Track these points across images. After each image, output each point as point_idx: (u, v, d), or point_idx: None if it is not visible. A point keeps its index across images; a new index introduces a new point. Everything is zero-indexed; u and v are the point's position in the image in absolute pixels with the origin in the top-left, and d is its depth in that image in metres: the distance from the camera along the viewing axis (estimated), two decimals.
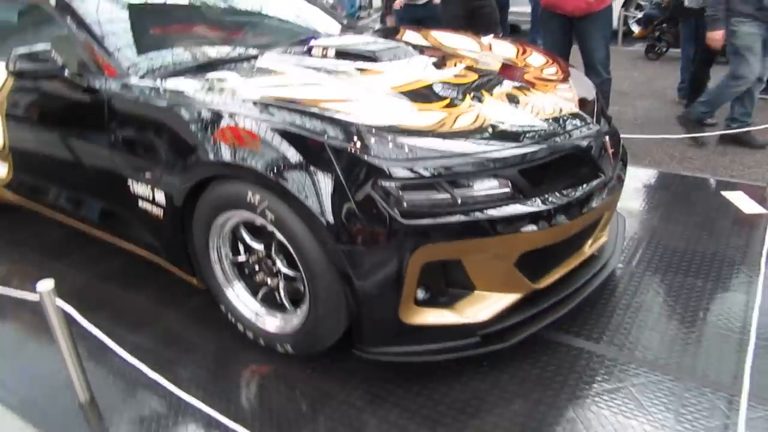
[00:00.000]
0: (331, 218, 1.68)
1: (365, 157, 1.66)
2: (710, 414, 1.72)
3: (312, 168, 1.71)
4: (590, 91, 2.30)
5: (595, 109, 2.14)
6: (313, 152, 1.72)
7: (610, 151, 2.05)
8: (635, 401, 1.78)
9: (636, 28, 7.48)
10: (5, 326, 2.40)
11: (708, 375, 1.86)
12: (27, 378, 2.09)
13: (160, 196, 2.11)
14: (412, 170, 1.66)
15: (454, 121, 1.84)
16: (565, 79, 2.31)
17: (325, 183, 1.69)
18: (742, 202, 2.99)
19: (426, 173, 1.67)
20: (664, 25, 6.44)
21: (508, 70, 2.34)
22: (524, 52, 2.66)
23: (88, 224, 2.62)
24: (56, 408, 1.93)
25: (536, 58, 2.57)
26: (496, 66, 2.36)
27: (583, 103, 2.13)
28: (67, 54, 2.32)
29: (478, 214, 1.68)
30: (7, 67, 2.30)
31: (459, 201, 1.68)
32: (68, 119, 2.42)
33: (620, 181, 2.11)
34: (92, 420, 1.89)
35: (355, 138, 1.69)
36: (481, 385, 1.88)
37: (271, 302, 2.07)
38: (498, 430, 1.71)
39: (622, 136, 3.69)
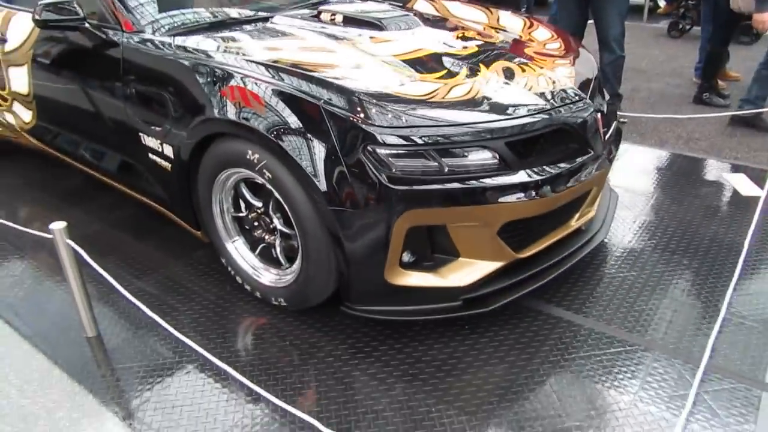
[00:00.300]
0: (323, 180, 1.78)
1: (358, 123, 1.74)
2: (675, 383, 1.81)
3: (308, 131, 1.79)
4: (590, 69, 2.33)
5: (591, 87, 2.17)
6: (310, 115, 1.79)
7: (601, 128, 2.10)
8: (605, 368, 1.87)
9: (662, 4, 7.31)
10: (24, 263, 2.56)
11: (679, 347, 1.95)
12: (40, 311, 2.26)
13: (168, 150, 2.22)
14: (401, 137, 1.73)
15: (448, 91, 1.90)
16: (565, 55, 2.34)
17: (320, 146, 1.78)
18: (742, 184, 3.01)
19: (415, 141, 1.74)
20: (690, 1, 6.29)
21: (509, 43, 2.37)
22: (531, 26, 2.68)
23: (103, 174, 2.75)
24: (65, 340, 2.09)
25: (541, 33, 2.59)
26: (497, 39, 2.40)
27: (579, 79, 2.16)
28: (89, 6, 2.42)
29: (463, 184, 1.76)
30: (33, 17, 2.39)
31: (446, 170, 1.76)
32: (87, 70, 2.52)
33: (610, 158, 2.16)
34: (98, 354, 2.04)
35: (350, 104, 1.77)
36: (460, 347, 1.99)
37: (268, 257, 2.19)
38: (470, 387, 1.82)
39: (631, 114, 3.74)
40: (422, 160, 1.75)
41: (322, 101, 1.78)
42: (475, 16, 2.73)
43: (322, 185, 1.78)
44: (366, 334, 2.05)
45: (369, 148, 1.73)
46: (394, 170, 1.73)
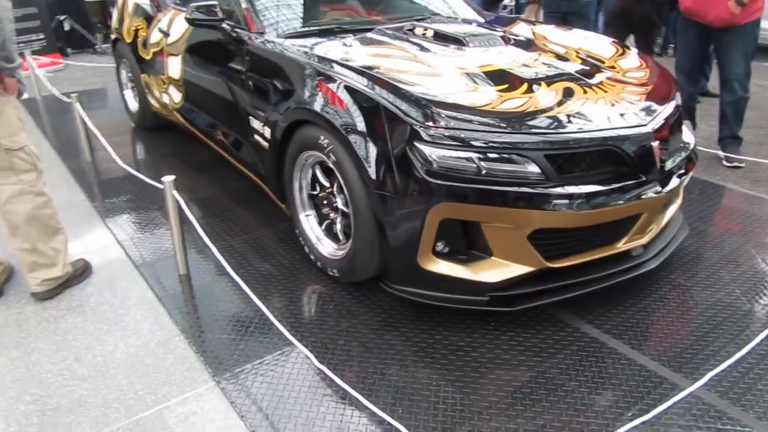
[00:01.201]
0: (373, 167, 2.04)
1: (409, 120, 1.98)
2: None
3: (369, 126, 2.07)
4: (665, 100, 2.34)
5: (659, 117, 2.20)
6: (373, 113, 2.07)
7: (658, 157, 2.12)
8: (612, 385, 1.90)
9: None
10: (149, 209, 3.14)
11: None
12: (151, 247, 2.79)
13: (267, 132, 2.63)
14: (445, 137, 1.94)
15: (501, 102, 2.07)
16: (641, 84, 2.38)
17: (376, 138, 2.05)
18: None
19: (457, 143, 1.94)
20: None
21: (583, 67, 2.46)
22: (621, 53, 2.74)
23: (222, 149, 3.27)
24: (162, 272, 2.57)
25: (629, 61, 2.64)
26: (573, 62, 2.50)
27: (646, 108, 2.20)
28: (228, 9, 2.94)
29: (494, 186, 1.92)
30: (185, 16, 2.96)
31: (483, 172, 1.93)
32: (220, 62, 3.04)
33: (667, 189, 2.16)
34: (185, 290, 2.48)
35: (407, 104, 2.02)
36: (480, 338, 2.13)
37: (330, 232, 2.50)
38: (475, 374, 1.96)
39: (750, 158, 3.53)
40: (462, 160, 1.94)
41: (385, 102, 2.04)
42: (567, 41, 2.84)
43: (373, 171, 2.05)
44: (399, 312, 2.27)
45: (415, 143, 1.96)
46: (433, 165, 1.94)
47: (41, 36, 6.62)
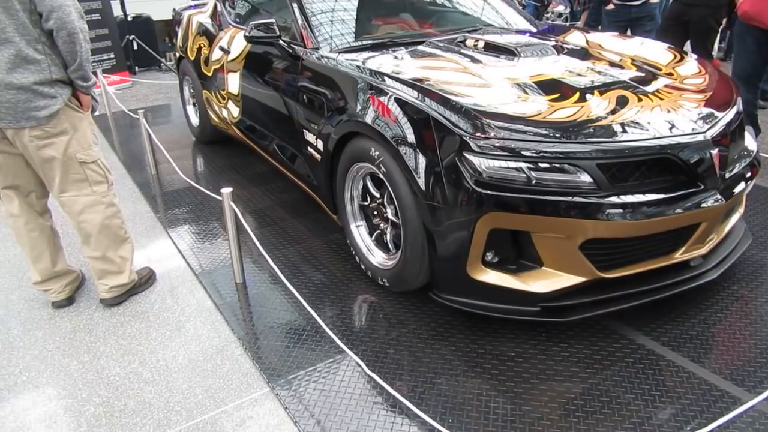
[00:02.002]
0: (423, 177, 2.07)
1: (458, 131, 2.00)
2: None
3: (419, 136, 2.10)
4: (726, 108, 2.26)
5: (719, 125, 2.13)
6: (423, 123, 2.10)
7: (717, 165, 2.05)
8: (670, 398, 1.85)
9: None
10: (208, 219, 3.27)
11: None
12: (210, 256, 2.90)
13: (320, 144, 2.70)
14: (495, 147, 1.95)
15: (552, 112, 2.06)
16: (700, 92, 2.31)
17: (425, 148, 2.08)
18: None
19: (506, 153, 1.94)
20: None
21: (640, 74, 2.41)
22: (680, 60, 2.67)
23: (277, 161, 3.38)
24: (220, 280, 2.68)
25: (687, 68, 2.57)
26: (628, 69, 2.45)
27: (705, 115, 2.14)
28: (284, 26, 3.05)
29: (543, 196, 1.91)
30: (244, 34, 3.09)
31: (533, 182, 1.93)
32: (276, 77, 3.15)
33: (727, 197, 2.09)
34: (242, 298, 2.58)
35: (457, 116, 2.04)
36: (530, 349, 2.11)
37: (380, 242, 2.54)
38: (526, 384, 1.95)
39: None
40: (511, 170, 1.95)
41: (435, 113, 2.07)
42: (623, 49, 2.79)
43: (422, 182, 2.08)
44: (448, 321, 2.28)
45: (464, 154, 1.98)
46: (482, 175, 1.95)
47: (112, 55, 7.02)
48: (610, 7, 4.92)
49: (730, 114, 2.26)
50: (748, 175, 2.26)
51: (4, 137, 2.24)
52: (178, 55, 4.76)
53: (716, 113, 2.20)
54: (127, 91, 6.99)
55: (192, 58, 4.34)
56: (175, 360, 2.20)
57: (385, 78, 2.36)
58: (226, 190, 2.47)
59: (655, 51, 2.78)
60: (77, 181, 2.36)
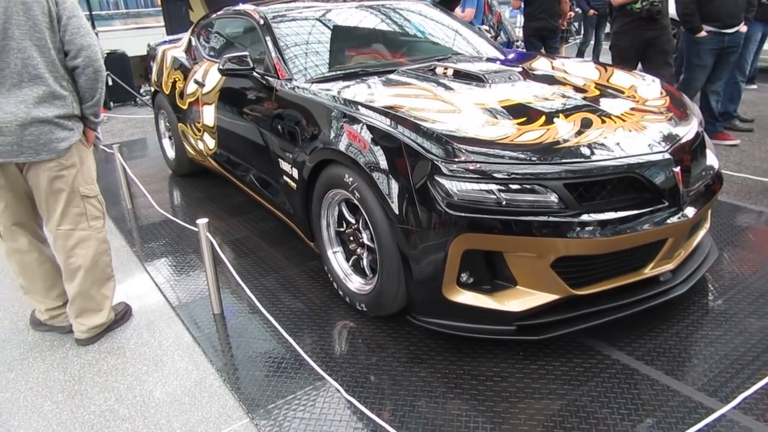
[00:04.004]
0: (396, 202, 2.11)
1: (429, 156, 2.05)
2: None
3: (391, 162, 2.15)
4: (686, 128, 2.35)
5: (680, 144, 2.21)
6: (395, 150, 2.14)
7: (680, 182, 2.12)
8: (645, 411, 1.87)
9: None
10: (184, 254, 3.26)
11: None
12: (186, 288, 2.88)
13: (295, 173, 2.73)
14: (465, 170, 2.00)
15: (519, 135, 2.13)
16: (661, 113, 2.40)
17: (398, 174, 2.12)
18: None
19: (477, 176, 1.99)
20: None
21: (603, 97, 2.50)
22: (642, 82, 2.77)
23: (253, 191, 3.40)
24: (198, 312, 2.66)
25: (650, 90, 2.67)
26: (591, 94, 2.54)
27: (666, 135, 2.22)
28: (258, 59, 3.10)
29: (514, 216, 1.96)
30: (218, 67, 3.13)
31: (503, 203, 1.98)
32: (250, 108, 3.19)
33: (691, 213, 2.15)
34: (220, 329, 2.56)
35: (428, 141, 2.09)
36: (508, 368, 2.13)
37: (357, 268, 2.56)
38: (505, 404, 1.96)
39: None
40: (482, 192, 1.99)
41: (407, 139, 2.12)
42: (587, 73, 2.89)
43: (396, 206, 2.11)
44: (427, 344, 2.29)
45: (435, 177, 2.02)
46: (453, 198, 1.99)
47: None
48: (703, 34, 4.56)
49: (691, 133, 2.35)
50: (711, 191, 2.34)
51: (18, 173, 2.27)
52: (153, 89, 4.79)
53: (677, 133, 2.28)
54: (102, 126, 6.97)
55: (167, 92, 4.37)
56: (153, 395, 2.17)
57: (358, 106, 2.41)
58: (202, 221, 2.48)
59: (618, 75, 2.89)
60: (77, 215, 2.37)
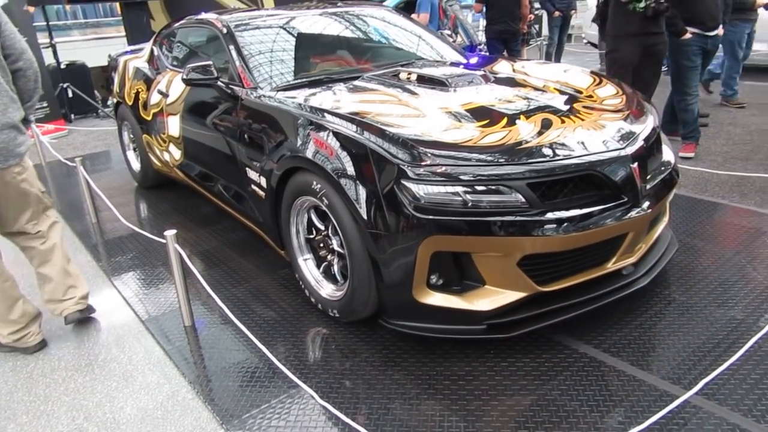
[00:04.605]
0: (364, 207, 2.13)
1: (395, 161, 2.07)
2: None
3: (358, 168, 2.17)
4: (643, 124, 2.43)
5: (636, 140, 2.29)
6: (362, 155, 2.16)
7: (638, 178, 2.20)
8: (613, 402, 1.93)
9: None
10: (153, 267, 3.22)
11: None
12: (156, 301, 2.85)
13: (263, 181, 2.73)
14: (431, 174, 2.03)
15: (483, 137, 2.17)
16: (619, 111, 2.48)
17: (365, 178, 2.14)
18: None
19: (442, 178, 2.03)
20: None
21: (561, 98, 2.57)
22: (599, 83, 2.85)
23: (222, 201, 3.37)
24: (168, 325, 2.63)
25: (607, 90, 2.75)
26: (550, 94, 2.61)
27: (623, 132, 2.30)
28: (222, 68, 3.09)
29: (479, 217, 2.00)
30: (182, 77, 3.10)
31: (469, 204, 2.01)
32: (217, 118, 3.17)
33: (649, 207, 2.22)
34: (191, 341, 2.53)
35: (394, 146, 2.11)
36: (480, 367, 2.17)
37: (328, 274, 2.57)
38: (478, 402, 1.99)
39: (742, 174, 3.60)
40: (448, 194, 2.03)
41: (373, 144, 2.14)
42: (547, 75, 2.96)
43: (364, 211, 2.13)
44: (399, 347, 2.32)
45: (401, 181, 2.05)
46: (420, 201, 2.02)
47: (44, 104, 6.85)
48: (688, 36, 4.41)
49: (647, 130, 2.43)
50: (669, 185, 2.43)
51: None
52: (115, 100, 4.71)
53: (634, 130, 2.36)
54: (63, 139, 6.82)
55: (130, 103, 4.30)
56: (123, 411, 2.14)
57: (324, 113, 2.42)
58: (170, 233, 2.45)
59: (576, 75, 2.96)
60: (42, 210, 2.54)
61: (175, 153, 3.80)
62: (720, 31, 4.55)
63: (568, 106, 2.46)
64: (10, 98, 2.26)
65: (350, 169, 2.18)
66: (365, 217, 2.13)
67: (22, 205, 2.41)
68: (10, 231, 2.48)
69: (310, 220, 2.58)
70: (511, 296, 2.12)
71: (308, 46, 3.42)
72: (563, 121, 2.31)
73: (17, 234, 2.51)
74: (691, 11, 4.36)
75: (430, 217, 2.02)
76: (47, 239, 2.54)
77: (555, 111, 2.40)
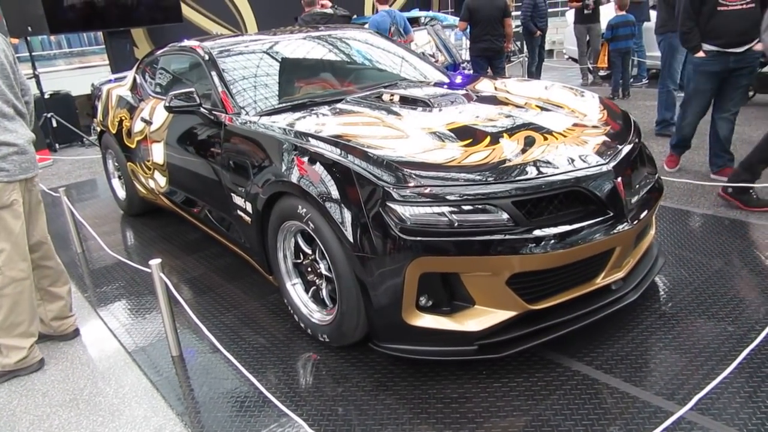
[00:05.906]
0: (350, 230, 2.11)
1: (380, 183, 2.07)
2: None
3: (343, 190, 2.16)
4: (625, 139, 2.45)
5: (619, 155, 2.30)
6: (346, 178, 2.16)
7: (623, 192, 2.20)
8: (607, 420, 1.91)
9: None
10: (139, 296, 3.17)
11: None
12: (142, 332, 2.80)
13: (249, 206, 2.71)
14: (416, 195, 2.03)
15: (466, 157, 2.17)
16: (600, 126, 2.50)
17: (350, 202, 2.13)
18: None
19: (427, 199, 2.02)
20: None
21: (543, 115, 2.58)
22: (581, 98, 2.88)
23: (208, 227, 3.35)
24: (156, 356, 2.58)
25: (589, 105, 2.77)
26: (532, 111, 2.63)
27: (606, 148, 2.31)
28: (205, 94, 3.09)
29: (467, 237, 1.99)
30: (164, 104, 3.10)
31: (455, 224, 2.01)
32: (200, 144, 3.16)
33: (635, 221, 2.23)
34: (180, 372, 2.49)
35: (378, 168, 2.11)
36: (472, 389, 2.14)
37: (317, 298, 2.54)
38: (471, 425, 1.96)
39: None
40: (434, 215, 2.02)
41: (357, 167, 2.13)
42: (528, 92, 2.99)
43: (350, 234, 2.12)
44: (391, 371, 2.29)
45: (387, 203, 2.04)
46: (406, 223, 2.01)
47: None
48: (700, 54, 3.97)
49: (629, 145, 2.44)
50: (653, 198, 2.44)
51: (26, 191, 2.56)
52: (99, 129, 4.69)
53: (617, 145, 2.37)
54: (48, 169, 6.76)
55: (114, 132, 4.28)
56: None
57: (308, 137, 2.42)
58: (155, 262, 2.42)
59: (558, 92, 2.99)
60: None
61: (160, 180, 3.78)
62: (757, 46, 3.73)
63: (550, 123, 2.47)
64: (28, 121, 2.62)
65: (335, 193, 2.17)
66: (352, 240, 2.11)
67: (41, 210, 2.69)
68: (33, 243, 2.62)
69: (296, 244, 2.56)
70: (501, 315, 2.11)
71: (291, 70, 3.44)
72: (546, 139, 2.32)
73: (38, 246, 2.66)
74: (708, 24, 3.82)
75: (417, 238, 2.01)
76: (59, 262, 2.81)
77: (538, 128, 2.41)
